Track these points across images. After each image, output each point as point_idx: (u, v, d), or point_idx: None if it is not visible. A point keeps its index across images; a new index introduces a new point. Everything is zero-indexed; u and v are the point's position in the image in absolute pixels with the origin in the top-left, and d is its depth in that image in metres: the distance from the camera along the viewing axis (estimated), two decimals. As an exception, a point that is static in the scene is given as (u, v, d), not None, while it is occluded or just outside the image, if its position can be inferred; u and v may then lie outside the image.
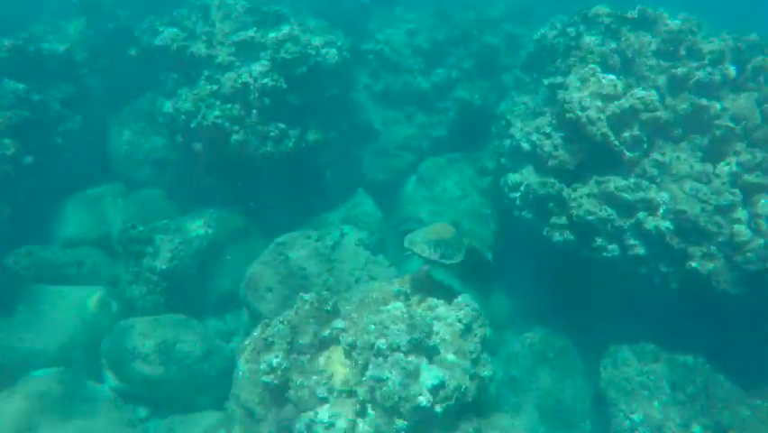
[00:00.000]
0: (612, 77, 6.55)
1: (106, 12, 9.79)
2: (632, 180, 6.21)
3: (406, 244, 5.54)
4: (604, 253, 6.23)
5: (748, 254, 5.83)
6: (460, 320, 5.31)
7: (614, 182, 6.22)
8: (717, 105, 6.43)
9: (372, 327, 4.83)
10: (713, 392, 6.04)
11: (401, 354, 4.58)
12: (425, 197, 8.80)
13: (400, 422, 4.37)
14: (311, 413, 4.54)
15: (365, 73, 10.50)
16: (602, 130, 6.21)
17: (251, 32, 7.82)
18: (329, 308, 5.17)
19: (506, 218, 7.57)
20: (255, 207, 8.09)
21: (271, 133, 7.23)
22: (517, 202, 7.18)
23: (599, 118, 6.25)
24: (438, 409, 4.55)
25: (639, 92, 6.21)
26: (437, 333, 5.13)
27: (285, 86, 7.46)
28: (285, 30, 7.73)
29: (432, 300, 5.36)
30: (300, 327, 4.96)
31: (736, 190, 6.01)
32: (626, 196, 6.06)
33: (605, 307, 7.05)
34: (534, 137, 6.95)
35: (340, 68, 8.03)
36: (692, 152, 6.36)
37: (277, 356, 4.65)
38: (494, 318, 7.70)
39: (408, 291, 5.59)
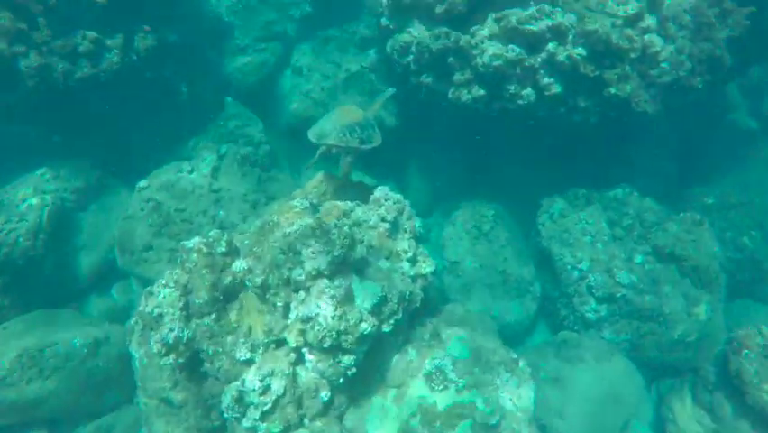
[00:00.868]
0: None
1: None
2: (533, 9, 5.34)
3: (313, 139, 4.49)
4: (519, 101, 5.51)
5: (663, 65, 5.36)
6: (383, 219, 4.46)
7: (514, 15, 5.32)
8: None
9: (281, 256, 3.84)
10: (645, 219, 5.87)
11: (325, 280, 3.69)
12: (307, 92, 7.47)
13: (347, 358, 3.60)
14: (237, 383, 3.63)
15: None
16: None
17: None
18: (223, 249, 4.07)
19: (403, 91, 6.57)
20: (106, 153, 6.41)
21: (80, 48, 5.42)
22: (412, 66, 6.15)
23: (485, -61, 5.16)
24: (386, 328, 3.81)
25: None
26: (361, 241, 4.26)
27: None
28: None
29: (344, 205, 4.42)
30: (193, 283, 3.85)
31: (641, -4, 5.38)
32: (530, 27, 5.22)
33: (528, 161, 6.56)
34: (414, -17, 5.77)
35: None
36: (589, -37, 5.54)
37: (171, 329, 3.56)
38: (416, 206, 7.01)
39: (315, 202, 4.60)
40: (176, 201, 5.22)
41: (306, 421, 3.73)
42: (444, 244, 6.46)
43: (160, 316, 3.59)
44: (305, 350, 3.70)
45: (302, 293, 3.68)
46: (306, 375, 3.71)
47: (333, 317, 3.51)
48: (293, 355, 3.71)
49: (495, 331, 4.59)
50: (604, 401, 4.96)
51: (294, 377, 3.67)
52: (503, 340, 4.40)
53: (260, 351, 3.71)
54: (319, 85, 7.40)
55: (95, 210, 5.78)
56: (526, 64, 5.34)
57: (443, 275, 6.21)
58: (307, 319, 3.59)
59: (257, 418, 3.56)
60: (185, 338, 3.59)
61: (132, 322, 4.05)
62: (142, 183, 5.49)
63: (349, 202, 4.48)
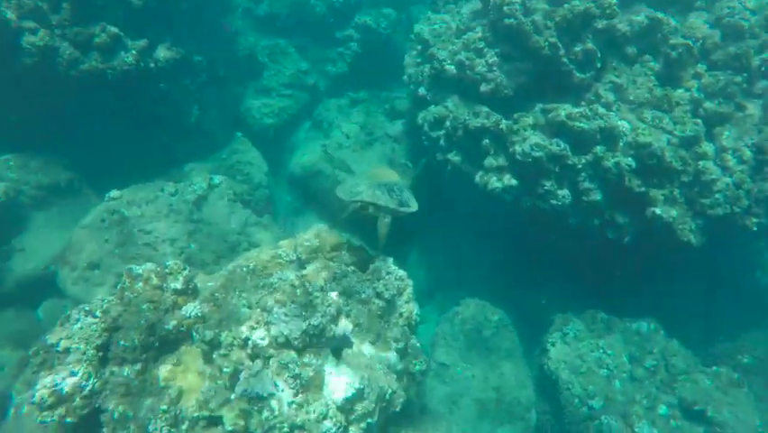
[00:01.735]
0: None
1: None
2: (585, 107, 4.94)
3: (344, 195, 3.95)
4: (553, 201, 4.93)
5: (716, 196, 4.85)
6: (379, 294, 3.69)
7: (564, 109, 4.90)
8: (672, 21, 5.37)
9: (246, 310, 3.04)
10: (672, 363, 5.07)
11: (292, 353, 2.85)
12: (323, 146, 6.98)
13: (294, 466, 2.67)
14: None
15: (244, -7, 8.32)
16: (550, 40, 4.84)
17: None
18: (178, 286, 3.27)
19: (425, 166, 6.06)
20: (88, 157, 5.76)
21: (96, 39, 4.95)
22: (441, 142, 5.66)
23: (547, 25, 4.86)
24: (354, 431, 2.91)
25: (594, -7, 4.91)
26: (347, 314, 3.47)
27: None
28: None
29: (337, 268, 3.68)
30: (126, 318, 3.00)
31: (699, 120, 5.00)
32: (581, 125, 4.77)
33: (546, 268, 5.87)
34: (461, 56, 5.43)
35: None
36: (646, 76, 5.23)
37: (72, 373, 2.66)
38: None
39: (304, 259, 3.85)
40: (145, 221, 4.47)
41: None
42: (436, 342, 5.60)
43: (66, 351, 2.70)
44: (243, 441, 2.78)
45: (258, 363, 2.83)
46: (236, 477, 2.75)
47: (290, 405, 2.63)
48: (225, 445, 2.78)
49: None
50: None
51: (218, 477, 2.72)
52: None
53: (184, 429, 2.78)
54: (337, 142, 6.92)
55: (54, 214, 5.02)
56: (569, 162, 4.83)
57: (427, 378, 5.28)
58: (257, 399, 2.71)
59: None
60: (87, 389, 2.68)
61: (30, 353, 3.13)
62: (114, 193, 4.78)
63: (343, 266, 3.74)
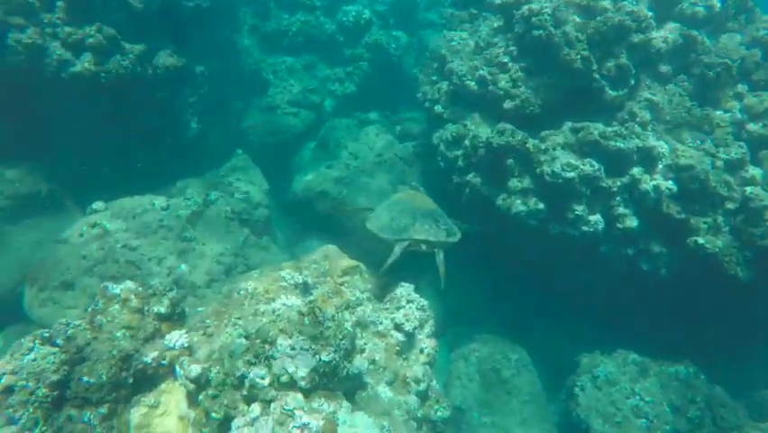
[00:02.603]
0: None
1: None
2: (619, 126, 4.54)
3: (387, 235, 3.51)
4: (584, 227, 4.47)
5: (768, 225, 4.39)
6: (398, 326, 3.17)
7: (596, 128, 4.49)
8: (707, 40, 5.05)
9: (243, 342, 2.51)
10: (720, 416, 4.51)
11: (299, 397, 2.31)
12: (329, 166, 6.54)
13: None
14: None
15: (250, 12, 8.05)
16: (582, 53, 4.47)
17: None
18: (163, 310, 2.74)
19: (440, 190, 5.59)
20: (73, 168, 5.28)
21: (90, 39, 4.55)
22: (459, 163, 5.23)
23: (578, 38, 4.50)
24: (371, 498, 2.34)
25: (629, 4, 4.57)
26: (362, 350, 2.94)
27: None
28: None
29: (350, 294, 3.16)
30: (95, 348, 2.46)
31: (742, 143, 4.60)
32: (616, 144, 4.35)
33: (568, 301, 5.35)
34: (483, 71, 5.06)
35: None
36: (681, 96, 4.87)
37: (10, 420, 2.09)
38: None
39: (309, 281, 3.33)
40: (129, 236, 3.96)
41: None
42: (450, 383, 5.03)
43: (9, 390, 2.14)
44: (232, 508, 2.21)
45: (256, 408, 2.28)
46: None
47: (294, 464, 2.08)
48: None
49: None
50: None
51: None
52: None
53: (159, 491, 2.20)
54: (344, 163, 6.47)
55: (28, 227, 4.50)
56: (602, 185, 4.39)
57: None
58: (252, 455, 2.15)
59: None
60: (36, 439, 2.12)
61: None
62: (97, 205, 4.28)
63: (357, 292, 3.23)
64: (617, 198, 4.44)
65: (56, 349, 2.26)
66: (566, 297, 5.38)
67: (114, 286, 2.67)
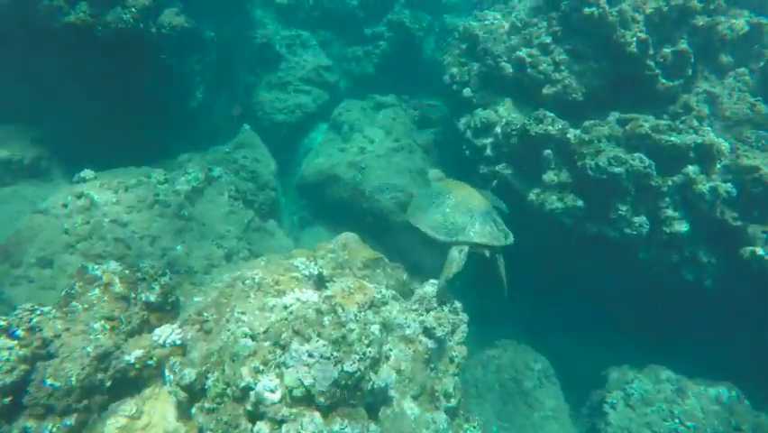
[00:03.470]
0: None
1: None
2: (671, 119, 4.08)
3: (443, 237, 3.16)
4: (626, 229, 4.01)
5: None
6: (428, 331, 2.72)
7: (648, 121, 4.03)
8: (772, 32, 4.57)
9: (247, 341, 2.06)
10: (766, 445, 4.08)
11: (316, 415, 1.85)
12: (342, 149, 6.07)
13: None
14: None
15: (265, -18, 7.53)
16: (639, 36, 3.99)
17: None
18: (152, 298, 2.29)
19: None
20: (64, 134, 4.79)
21: (88, -13, 4.07)
22: (488, 152, 4.77)
23: (635, 18, 4.03)
24: None
25: (696, -18, 4.09)
26: (387, 357, 2.48)
27: None
28: None
29: (375, 291, 2.70)
30: (68, 343, 2.00)
31: (806, 147, 4.15)
32: (671, 139, 3.89)
33: (597, 309, 4.91)
34: (521, 53, 4.58)
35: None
36: (741, 91, 4.41)
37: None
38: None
39: (325, 273, 2.87)
40: (120, 210, 3.48)
41: None
42: (465, 390, 4.56)
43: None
44: None
45: (264, 429, 1.82)
46: None
47: (310, 508, 1.62)
48: None
49: None
50: None
51: None
52: None
53: None
54: (359, 146, 6.00)
55: (7, 196, 4.01)
56: (651, 183, 3.93)
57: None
58: (255, 490, 1.70)
59: None
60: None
61: None
62: (86, 173, 3.80)
63: (383, 289, 2.77)
64: (667, 199, 3.98)
65: (14, 343, 1.80)
66: (591, 303, 4.95)
67: (96, 267, 2.21)
